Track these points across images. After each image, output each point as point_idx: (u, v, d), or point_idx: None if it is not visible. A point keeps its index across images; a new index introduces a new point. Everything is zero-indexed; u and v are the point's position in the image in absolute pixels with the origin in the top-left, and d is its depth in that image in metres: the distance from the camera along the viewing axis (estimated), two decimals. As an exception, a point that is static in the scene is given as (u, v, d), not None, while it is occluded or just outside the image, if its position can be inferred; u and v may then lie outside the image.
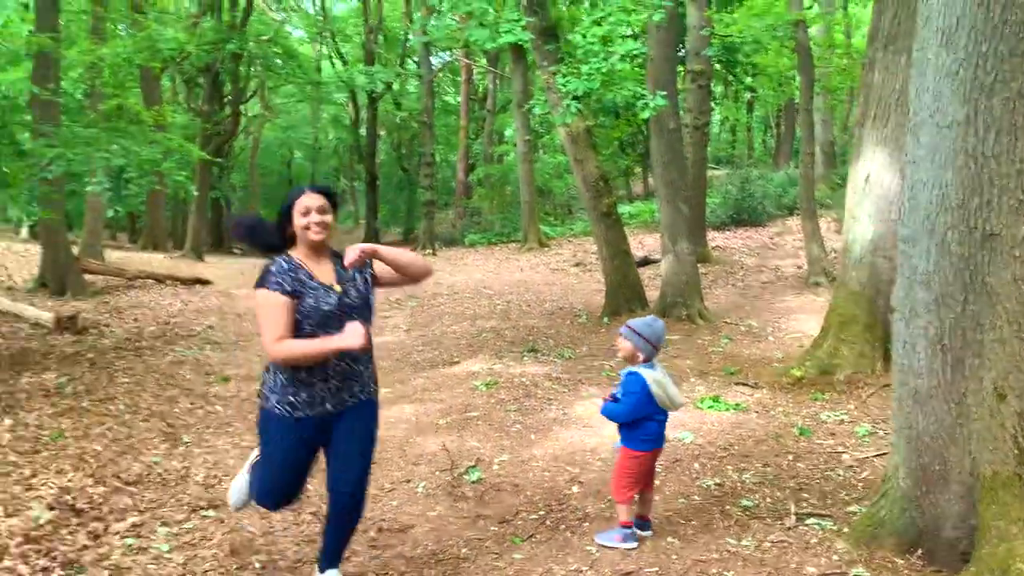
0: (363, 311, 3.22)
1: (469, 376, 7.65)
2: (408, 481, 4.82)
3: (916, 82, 3.48)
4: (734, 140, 38.39)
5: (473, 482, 4.75)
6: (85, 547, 3.81)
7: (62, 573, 3.53)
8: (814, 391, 6.43)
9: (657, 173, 10.15)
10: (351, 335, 2.99)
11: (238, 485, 3.41)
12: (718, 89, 34.58)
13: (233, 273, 19.37)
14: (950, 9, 3.28)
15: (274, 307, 3.06)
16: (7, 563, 3.60)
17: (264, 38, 24.84)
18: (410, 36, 31.55)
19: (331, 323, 3.11)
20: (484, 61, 28.17)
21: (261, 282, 3.10)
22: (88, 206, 17.14)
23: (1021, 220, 3.24)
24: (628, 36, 9.01)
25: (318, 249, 3.18)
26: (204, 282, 16.62)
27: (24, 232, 21.96)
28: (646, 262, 15.66)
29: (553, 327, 10.26)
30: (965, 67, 3.25)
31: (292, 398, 3.12)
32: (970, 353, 3.35)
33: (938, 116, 3.35)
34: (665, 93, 8.60)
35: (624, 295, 10.54)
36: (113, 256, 19.08)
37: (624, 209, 22.90)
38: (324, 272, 3.18)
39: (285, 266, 3.13)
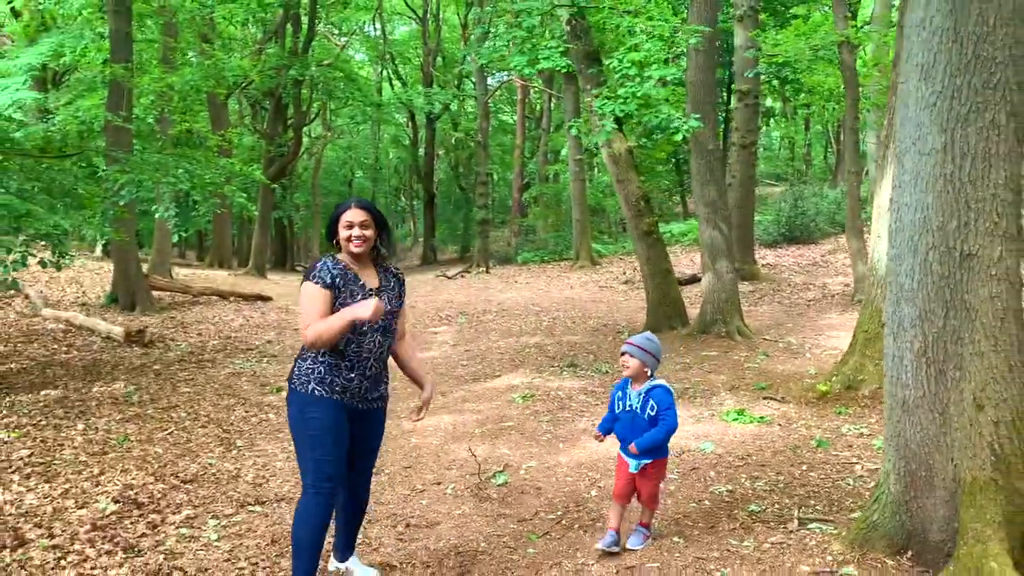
0: (393, 319, 3.58)
1: (508, 389, 7.98)
2: (439, 483, 5.17)
3: (900, 112, 3.72)
4: (792, 157, 38.16)
5: (499, 485, 5.07)
6: (144, 535, 4.25)
7: (123, 556, 3.97)
8: (838, 405, 6.60)
9: (696, 193, 10.38)
10: (364, 307, 3.29)
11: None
12: (776, 106, 34.50)
13: (293, 290, 20.07)
14: (928, 46, 3.52)
15: (313, 296, 3.42)
16: (76, 546, 4.06)
17: (326, 62, 25.74)
18: (467, 59, 32.36)
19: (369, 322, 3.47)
20: (539, 81, 28.64)
21: (306, 276, 3.50)
22: (157, 226, 18.06)
23: (996, 241, 3.46)
24: (667, 60, 9.31)
25: (359, 258, 3.55)
26: (265, 298, 17.32)
27: (98, 250, 23.10)
28: (695, 280, 15.82)
29: (595, 343, 10.54)
30: (942, 99, 3.49)
31: (332, 383, 3.44)
32: (952, 366, 3.56)
33: (919, 144, 3.59)
34: (699, 116, 8.86)
35: (665, 312, 10.77)
36: (180, 273, 19.96)
37: (677, 227, 23.06)
38: (369, 278, 3.56)
39: (329, 265, 3.50)
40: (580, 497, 4.83)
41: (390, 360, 3.70)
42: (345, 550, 3.74)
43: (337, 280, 3.45)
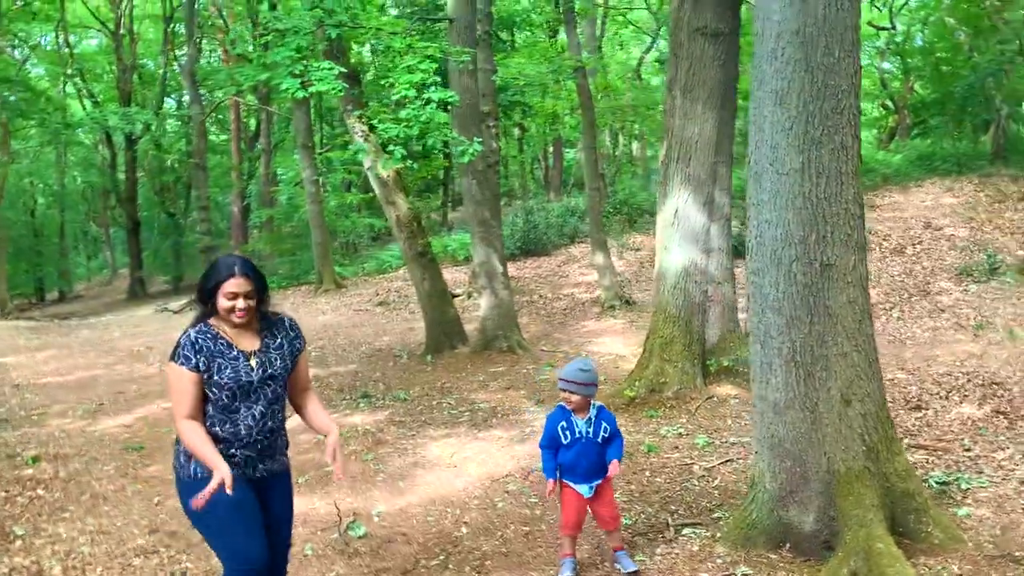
0: (283, 380, 3.20)
1: (306, 430, 7.47)
2: (292, 545, 4.69)
3: (755, 136, 4.00)
4: (507, 174, 40.06)
5: (360, 537, 4.73)
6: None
7: None
8: (647, 409, 6.98)
9: (469, 213, 10.49)
10: (221, 474, 2.91)
11: None
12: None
13: (-9, 339, 17.40)
14: (781, 74, 3.83)
15: (179, 380, 3.08)
16: None
17: (12, 77, 22.69)
18: (173, 72, 30.26)
19: (253, 392, 3.11)
20: (251, 98, 27.29)
21: (172, 355, 3.10)
22: None
23: (850, 251, 3.85)
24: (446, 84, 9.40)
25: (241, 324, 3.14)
26: (-40, 351, 14.81)
27: None
28: (454, 296, 15.99)
29: (377, 370, 10.24)
30: (798, 123, 3.81)
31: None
32: (819, 367, 3.89)
33: (777, 165, 3.89)
34: (481, 139, 8.97)
35: (444, 331, 10.75)
36: None
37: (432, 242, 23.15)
38: (247, 340, 3.13)
39: (193, 338, 3.09)
40: (452, 537, 4.63)
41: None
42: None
43: (204, 355, 3.08)
